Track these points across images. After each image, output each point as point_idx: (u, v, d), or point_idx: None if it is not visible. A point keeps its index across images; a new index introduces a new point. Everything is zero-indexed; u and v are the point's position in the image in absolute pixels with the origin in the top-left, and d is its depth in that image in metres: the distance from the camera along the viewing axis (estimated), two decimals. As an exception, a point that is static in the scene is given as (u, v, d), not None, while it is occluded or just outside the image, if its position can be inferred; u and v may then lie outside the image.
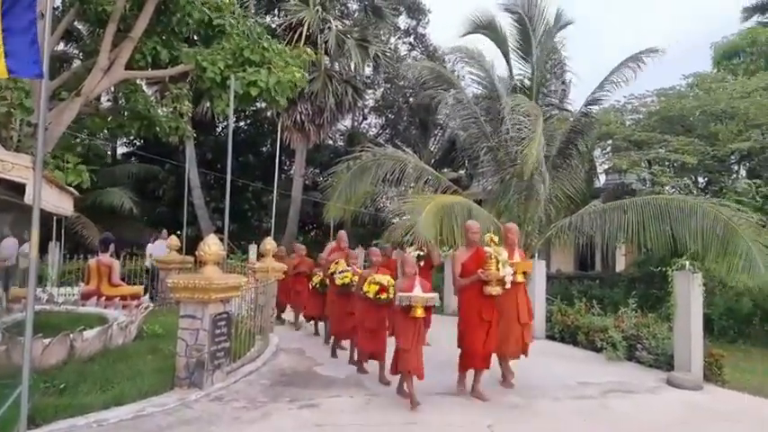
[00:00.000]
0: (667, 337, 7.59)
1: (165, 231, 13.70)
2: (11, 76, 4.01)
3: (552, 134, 12.21)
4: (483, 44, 14.18)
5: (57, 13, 9.85)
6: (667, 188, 12.39)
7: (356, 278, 6.99)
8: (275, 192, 14.06)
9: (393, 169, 11.62)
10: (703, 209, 9.16)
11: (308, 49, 10.75)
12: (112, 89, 10.48)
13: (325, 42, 19.64)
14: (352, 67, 21.92)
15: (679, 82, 15.40)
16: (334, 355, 7.81)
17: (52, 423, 4.48)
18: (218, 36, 9.65)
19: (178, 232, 13.79)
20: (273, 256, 9.55)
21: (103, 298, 8.95)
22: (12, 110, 7.10)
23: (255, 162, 25.39)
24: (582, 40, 18.92)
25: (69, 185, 7.80)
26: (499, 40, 13.91)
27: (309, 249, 11.66)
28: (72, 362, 5.91)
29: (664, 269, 7.89)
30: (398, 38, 28.41)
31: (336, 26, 20.10)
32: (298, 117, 19.99)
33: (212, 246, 5.98)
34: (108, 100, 12.64)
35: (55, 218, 12.93)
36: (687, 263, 7.35)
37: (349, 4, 24.84)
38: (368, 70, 24.94)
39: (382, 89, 28.50)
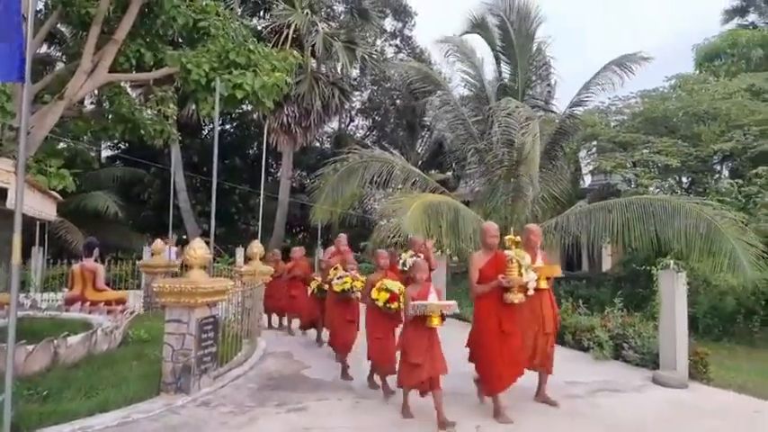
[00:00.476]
0: (653, 336, 7.65)
1: (173, 236, 13.44)
2: (-7, 81, 3.96)
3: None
4: (475, 43, 14.26)
5: (39, 15, 9.72)
6: (651, 188, 12.53)
7: (357, 283, 6.69)
8: (262, 194, 14.00)
9: (380, 171, 11.65)
10: (686, 209, 9.30)
11: (295, 52, 10.70)
12: (96, 92, 10.36)
13: (312, 45, 19.62)
14: (339, 70, 21.94)
15: (663, 83, 15.64)
16: (344, 376, 6.79)
17: (36, 430, 4.42)
18: (204, 38, 9.58)
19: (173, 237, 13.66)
20: (266, 260, 9.42)
21: (88, 303, 8.82)
22: (-7, 114, 6.99)
23: (242, 165, 25.31)
24: (581, 40, 19.08)
25: (53, 190, 7.73)
26: (489, 40, 13.99)
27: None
28: (56, 368, 5.82)
29: (648, 268, 7.95)
30: (385, 40, 28.52)
31: (323, 28, 20.08)
32: (284, 119, 19.95)
33: (198, 249, 5.93)
34: (92, 103, 12.52)
35: (38, 222, 12.76)
36: (672, 262, 7.40)
37: (335, 7, 24.87)
38: (354, 72, 25.01)
39: (369, 91, 28.59)
